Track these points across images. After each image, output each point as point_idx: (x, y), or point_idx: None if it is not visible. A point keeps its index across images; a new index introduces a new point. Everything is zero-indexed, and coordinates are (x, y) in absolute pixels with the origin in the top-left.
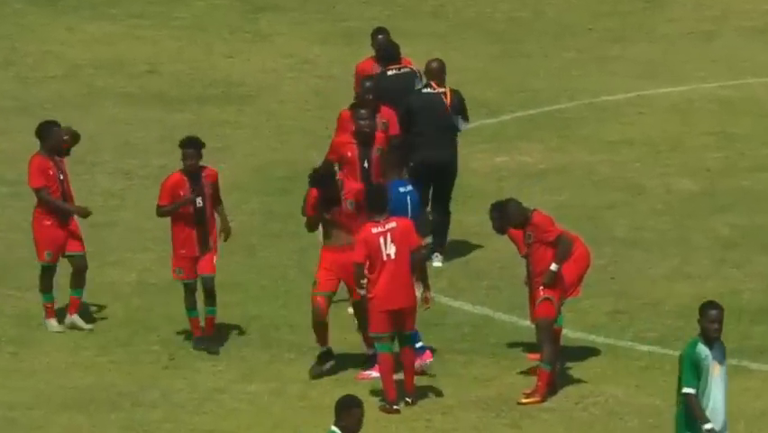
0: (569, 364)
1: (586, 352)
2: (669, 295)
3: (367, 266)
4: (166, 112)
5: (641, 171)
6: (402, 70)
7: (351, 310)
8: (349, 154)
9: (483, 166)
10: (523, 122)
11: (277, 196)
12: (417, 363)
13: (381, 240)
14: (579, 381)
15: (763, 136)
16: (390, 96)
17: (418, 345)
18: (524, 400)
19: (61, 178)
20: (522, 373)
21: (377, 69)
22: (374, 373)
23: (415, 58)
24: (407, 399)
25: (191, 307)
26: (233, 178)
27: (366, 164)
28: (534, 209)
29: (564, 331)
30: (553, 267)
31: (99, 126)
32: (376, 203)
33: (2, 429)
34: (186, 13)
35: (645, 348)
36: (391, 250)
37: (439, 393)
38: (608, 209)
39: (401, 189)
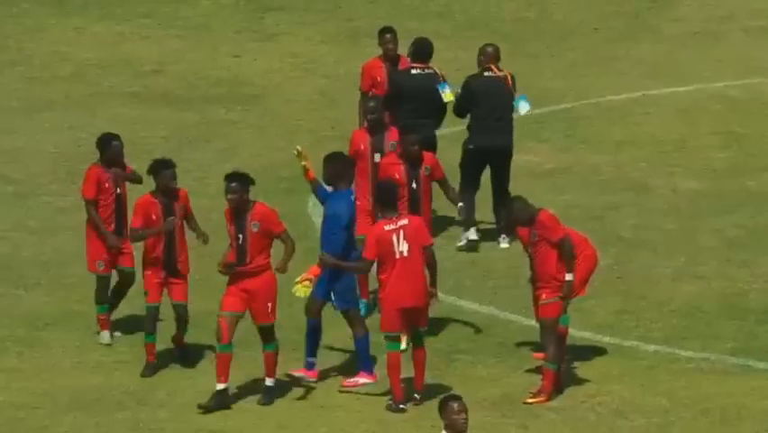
0: (575, 364)
1: (592, 351)
2: (675, 295)
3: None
4: (172, 111)
5: (647, 171)
6: (426, 71)
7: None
8: (396, 176)
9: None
10: (529, 121)
11: (282, 195)
12: (299, 373)
13: (394, 237)
14: (585, 380)
15: None
16: (412, 93)
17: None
18: (529, 400)
19: (118, 192)
20: (528, 372)
21: (383, 69)
22: (361, 380)
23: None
24: (416, 396)
25: (149, 331)
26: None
27: (414, 184)
28: (541, 208)
29: (570, 331)
30: (569, 277)
31: (106, 126)
32: (387, 200)
33: (8, 429)
34: (192, 13)
35: (651, 348)
36: (404, 247)
37: (446, 392)
38: (614, 209)
39: (352, 198)
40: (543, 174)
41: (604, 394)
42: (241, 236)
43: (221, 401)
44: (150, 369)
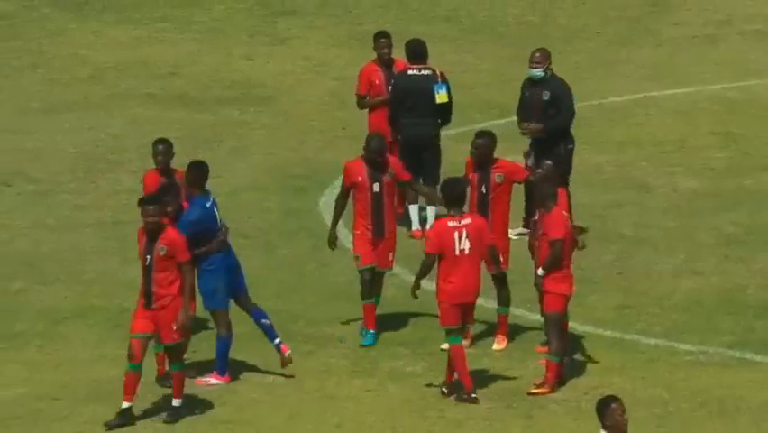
0: (577, 357)
1: (594, 345)
2: (674, 290)
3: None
4: (187, 112)
5: (648, 171)
6: (422, 71)
7: None
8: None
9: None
10: None
11: (294, 194)
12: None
13: (456, 234)
14: (587, 373)
15: (766, 136)
16: (408, 94)
17: (276, 340)
18: (534, 391)
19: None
20: (533, 365)
21: (380, 72)
22: (213, 380)
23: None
24: (444, 389)
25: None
26: (251, 176)
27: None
28: (557, 204)
29: (573, 325)
30: (540, 272)
31: (123, 126)
32: (453, 197)
33: (29, 420)
34: (206, 17)
35: (652, 342)
36: (465, 245)
37: (452, 384)
38: (616, 207)
39: (207, 204)
40: None
41: (605, 386)
42: (149, 257)
43: (123, 420)
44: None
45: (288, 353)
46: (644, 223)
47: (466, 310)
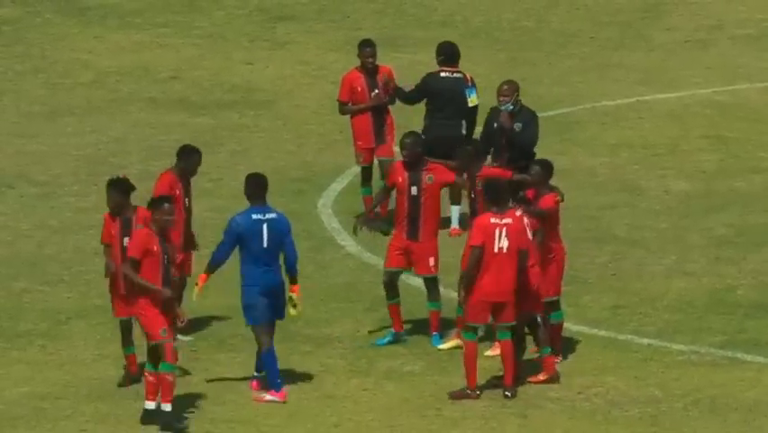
0: (572, 357)
1: (588, 345)
2: (667, 291)
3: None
4: (188, 116)
5: (640, 173)
6: (454, 74)
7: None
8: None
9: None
10: None
11: (293, 196)
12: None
13: (497, 231)
14: (581, 372)
15: (756, 139)
16: (439, 96)
17: (256, 373)
18: (532, 379)
19: (186, 203)
20: (529, 363)
21: (362, 79)
22: (269, 396)
23: (426, 65)
24: (508, 393)
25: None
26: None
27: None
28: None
29: (567, 325)
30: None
31: (125, 130)
32: (496, 196)
33: (31, 418)
34: (207, 22)
35: (645, 341)
36: (504, 243)
37: (449, 383)
38: (609, 209)
39: (254, 217)
40: None
41: (599, 385)
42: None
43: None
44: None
45: (255, 392)
46: (636, 224)
47: (498, 310)
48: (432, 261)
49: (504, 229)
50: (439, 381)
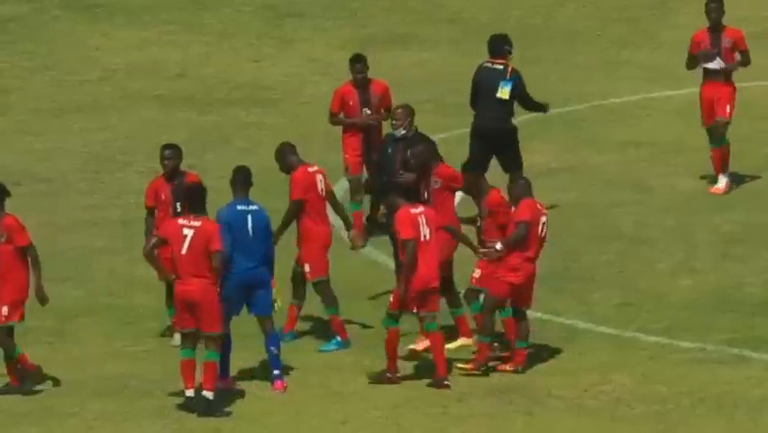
0: (578, 354)
1: (594, 342)
2: (673, 288)
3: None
4: (195, 114)
5: (647, 171)
6: (495, 66)
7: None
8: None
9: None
10: (535, 123)
11: None
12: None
13: (419, 220)
14: (588, 369)
15: (762, 137)
16: (477, 87)
17: (275, 372)
18: (460, 366)
19: (177, 206)
20: (534, 361)
21: (354, 94)
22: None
23: (433, 63)
24: (446, 381)
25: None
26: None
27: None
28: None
29: (574, 322)
30: (498, 246)
31: (132, 127)
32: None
33: (39, 416)
34: (214, 19)
35: (651, 339)
36: (426, 231)
37: (455, 381)
38: (616, 207)
39: (239, 207)
40: (548, 173)
41: (606, 383)
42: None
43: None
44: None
45: (280, 390)
46: (643, 222)
47: (426, 297)
48: (307, 267)
49: (422, 217)
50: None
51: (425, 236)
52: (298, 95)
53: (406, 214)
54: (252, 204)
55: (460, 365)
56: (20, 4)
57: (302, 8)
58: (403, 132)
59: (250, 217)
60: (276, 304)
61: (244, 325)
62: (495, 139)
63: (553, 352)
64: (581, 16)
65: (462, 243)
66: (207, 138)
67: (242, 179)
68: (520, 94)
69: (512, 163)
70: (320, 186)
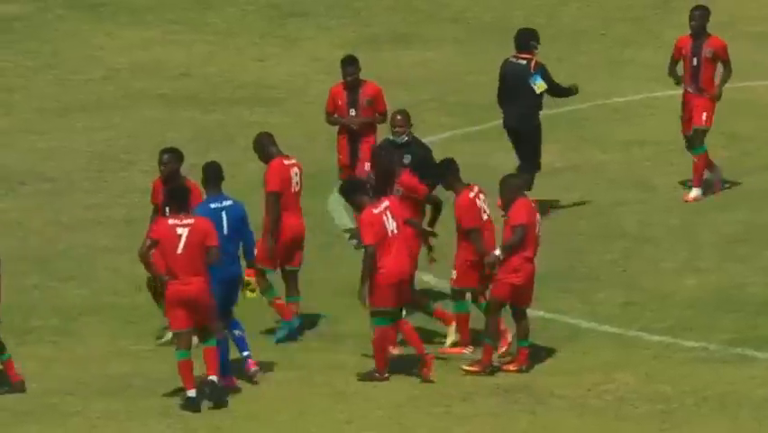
0: (582, 353)
1: (598, 341)
2: (677, 288)
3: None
4: (199, 113)
5: (651, 170)
6: (519, 60)
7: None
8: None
9: (502, 164)
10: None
11: (303, 193)
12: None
13: (384, 218)
14: (591, 369)
15: (766, 136)
16: (503, 81)
17: (245, 353)
18: (465, 367)
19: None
20: (538, 361)
21: (344, 95)
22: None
23: (437, 62)
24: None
25: None
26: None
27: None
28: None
29: (577, 321)
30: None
31: (136, 126)
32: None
33: (42, 415)
34: (218, 18)
35: (655, 338)
36: (392, 225)
37: (458, 380)
38: (620, 206)
39: (213, 206)
40: (553, 172)
41: (609, 382)
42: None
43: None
44: None
45: (253, 369)
46: (647, 221)
47: (403, 290)
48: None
49: (387, 213)
50: (448, 378)
51: (392, 231)
52: (302, 94)
53: (368, 216)
54: (227, 199)
55: (465, 367)
56: (24, 3)
57: (306, 7)
58: (405, 138)
59: (224, 214)
60: (249, 293)
61: (244, 325)
62: (518, 135)
63: (556, 351)
64: (585, 16)
65: (423, 238)
66: (211, 137)
67: (212, 176)
68: (549, 84)
69: (524, 159)
70: (294, 179)
